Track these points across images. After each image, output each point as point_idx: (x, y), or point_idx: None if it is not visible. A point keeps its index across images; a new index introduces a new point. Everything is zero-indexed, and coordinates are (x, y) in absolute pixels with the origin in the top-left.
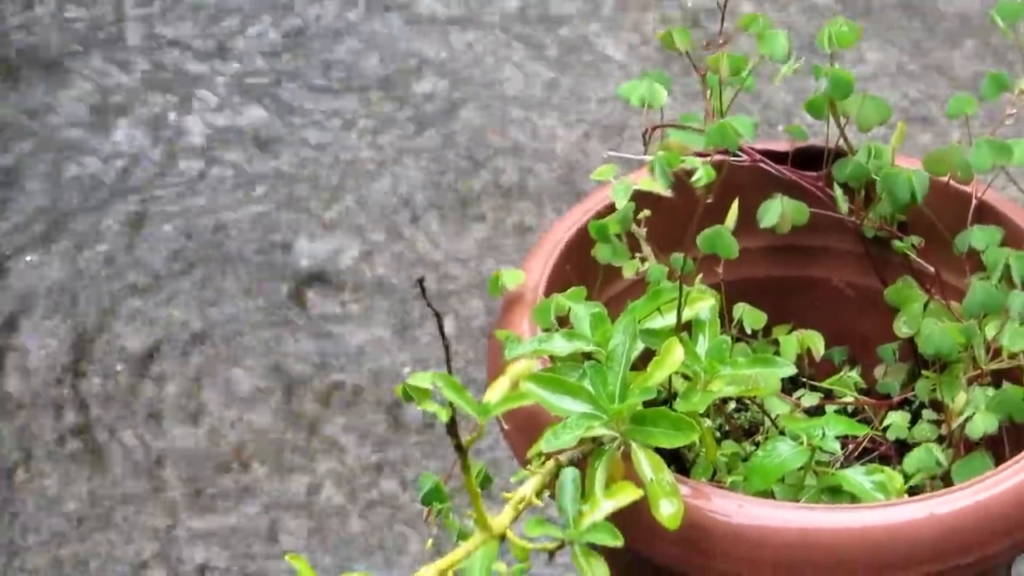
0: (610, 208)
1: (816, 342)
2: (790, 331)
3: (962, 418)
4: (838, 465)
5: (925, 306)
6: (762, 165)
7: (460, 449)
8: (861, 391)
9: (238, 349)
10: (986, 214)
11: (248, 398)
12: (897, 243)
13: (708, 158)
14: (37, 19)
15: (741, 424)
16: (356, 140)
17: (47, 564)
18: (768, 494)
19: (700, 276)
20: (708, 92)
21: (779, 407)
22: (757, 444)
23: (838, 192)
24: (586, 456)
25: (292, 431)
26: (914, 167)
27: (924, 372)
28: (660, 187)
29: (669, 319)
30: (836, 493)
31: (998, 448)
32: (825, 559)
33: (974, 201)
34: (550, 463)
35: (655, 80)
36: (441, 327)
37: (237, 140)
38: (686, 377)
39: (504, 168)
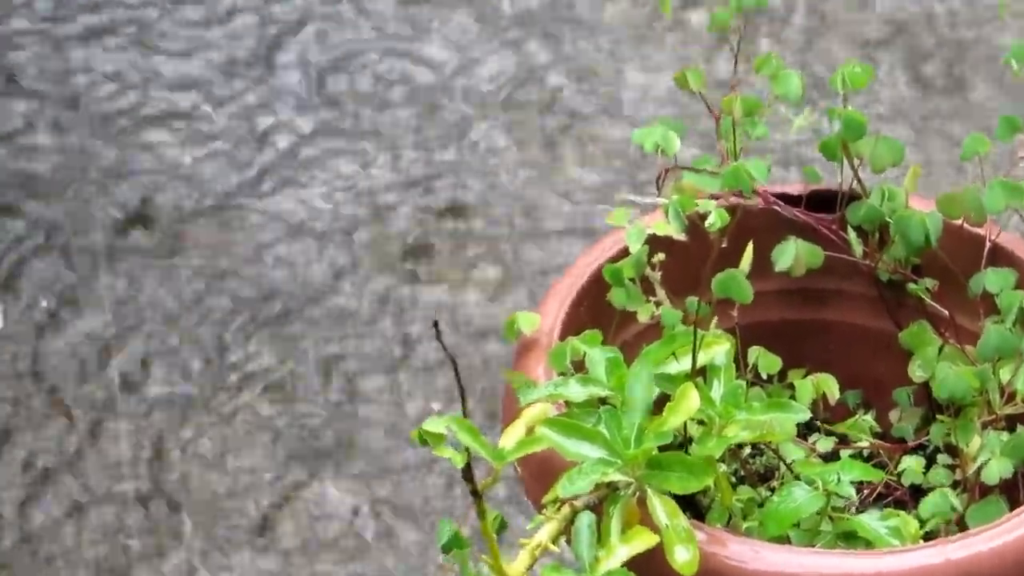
0: (624, 252)
1: (831, 386)
2: (805, 375)
3: (977, 463)
4: (853, 510)
5: (939, 350)
6: (776, 208)
7: (476, 494)
8: (876, 435)
9: None
10: (1000, 257)
11: None
12: (911, 286)
13: (722, 201)
14: None
15: (756, 469)
16: None
17: None
18: (783, 540)
19: (715, 320)
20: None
21: (794, 452)
22: (772, 489)
23: (852, 235)
24: (602, 501)
25: None
26: (928, 210)
27: (939, 416)
28: (674, 231)
29: (684, 364)
30: (851, 538)
31: (1013, 493)
32: None
33: (988, 243)
34: (566, 508)
35: (669, 126)
36: (456, 371)
37: None
38: (701, 422)
39: None
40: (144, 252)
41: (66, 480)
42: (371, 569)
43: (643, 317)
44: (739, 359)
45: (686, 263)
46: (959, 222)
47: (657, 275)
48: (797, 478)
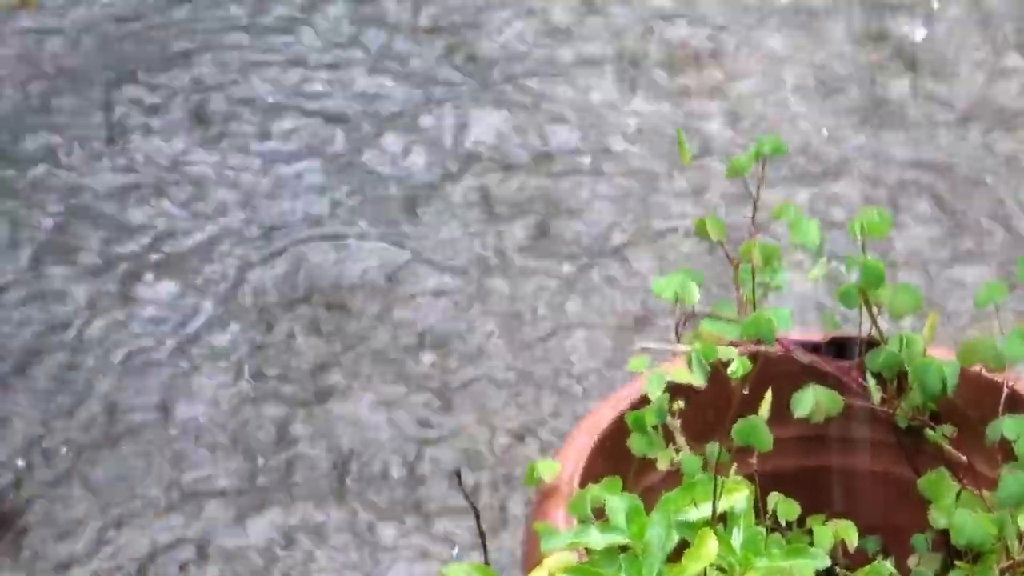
0: (639, 400)
1: (850, 533)
2: (824, 521)
3: None
4: None
5: (958, 496)
6: (795, 355)
7: None
8: None
9: None
10: (1018, 403)
11: None
12: (929, 433)
13: (742, 348)
14: None
15: None
16: None
17: None
18: None
19: (734, 466)
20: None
21: None
22: None
23: (871, 382)
24: None
25: None
26: (946, 357)
27: (957, 562)
28: (696, 380)
29: (704, 511)
30: None
31: None
32: None
33: (1005, 390)
34: None
35: (688, 276)
36: (478, 519)
37: None
38: (721, 569)
39: None
40: None
41: None
42: None
43: (663, 464)
44: (758, 505)
45: (704, 408)
46: (977, 369)
47: (677, 422)
48: None
